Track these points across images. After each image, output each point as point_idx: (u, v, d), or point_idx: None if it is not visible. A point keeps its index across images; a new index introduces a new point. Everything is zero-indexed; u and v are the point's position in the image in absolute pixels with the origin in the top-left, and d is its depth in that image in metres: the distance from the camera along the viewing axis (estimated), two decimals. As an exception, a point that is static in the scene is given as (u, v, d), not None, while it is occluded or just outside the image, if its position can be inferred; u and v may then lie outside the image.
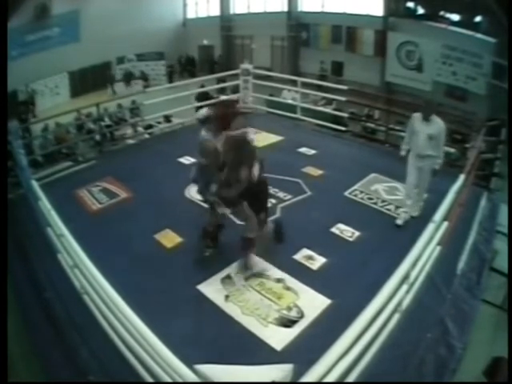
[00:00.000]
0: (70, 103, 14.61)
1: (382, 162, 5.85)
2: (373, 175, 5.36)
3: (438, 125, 4.25)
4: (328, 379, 1.97)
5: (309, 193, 4.97)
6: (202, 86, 8.82)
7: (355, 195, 4.96)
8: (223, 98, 8.84)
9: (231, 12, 18.50)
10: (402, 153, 4.47)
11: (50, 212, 3.35)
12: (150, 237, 4.13)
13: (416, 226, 3.69)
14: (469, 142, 6.42)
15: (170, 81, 16.18)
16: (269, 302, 3.32)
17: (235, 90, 8.26)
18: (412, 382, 2.75)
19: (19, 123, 11.23)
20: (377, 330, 2.53)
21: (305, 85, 7.98)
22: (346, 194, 4.99)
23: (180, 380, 1.95)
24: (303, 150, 6.24)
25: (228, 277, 3.56)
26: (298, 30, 16.38)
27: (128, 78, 16.77)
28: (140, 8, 16.94)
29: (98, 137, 7.45)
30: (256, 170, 3.34)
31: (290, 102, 8.54)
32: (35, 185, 3.85)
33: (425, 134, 4.26)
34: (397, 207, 4.69)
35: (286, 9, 16.49)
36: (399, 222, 4.43)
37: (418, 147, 4.36)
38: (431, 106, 4.39)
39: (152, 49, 17.55)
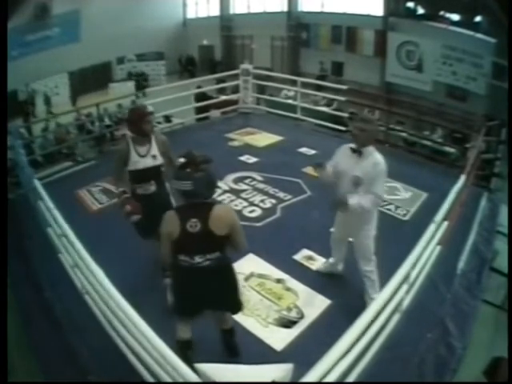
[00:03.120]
0: (70, 103, 14.64)
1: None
2: (373, 175, 5.36)
3: (372, 163, 2.78)
4: (328, 379, 1.97)
5: (309, 193, 4.97)
6: (199, 87, 8.81)
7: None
8: (224, 97, 8.86)
9: (231, 12, 18.51)
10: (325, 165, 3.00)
11: (51, 212, 3.35)
12: (150, 237, 4.12)
13: (416, 226, 3.70)
14: (469, 142, 6.43)
15: (139, 87, 15.01)
16: (269, 302, 3.31)
17: (235, 90, 8.26)
18: (412, 382, 2.75)
19: (25, 122, 11.32)
20: (377, 330, 2.53)
21: (305, 85, 7.99)
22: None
23: (180, 379, 1.95)
24: (303, 149, 6.23)
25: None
26: (298, 30, 16.38)
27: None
28: (140, 8, 16.95)
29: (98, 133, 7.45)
30: None
31: (290, 101, 8.55)
32: (38, 184, 3.85)
33: (350, 176, 2.87)
34: (397, 207, 4.69)
35: (285, 9, 16.50)
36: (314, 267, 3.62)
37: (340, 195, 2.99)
38: (371, 128, 2.83)
39: (152, 49, 17.56)
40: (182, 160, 2.19)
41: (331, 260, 3.55)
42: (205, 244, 2.22)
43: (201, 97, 8.51)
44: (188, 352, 2.43)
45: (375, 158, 2.81)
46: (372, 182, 2.79)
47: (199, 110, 8.34)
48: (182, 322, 2.51)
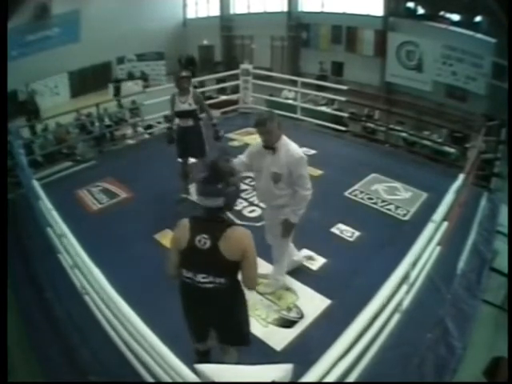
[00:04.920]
0: (70, 103, 14.61)
1: (381, 162, 5.86)
2: (373, 175, 5.36)
3: (287, 155, 2.80)
4: (328, 379, 1.97)
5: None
6: (195, 87, 8.72)
7: (355, 195, 4.96)
8: (224, 97, 8.86)
9: (231, 12, 18.49)
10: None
11: (50, 212, 3.35)
12: (150, 237, 4.13)
13: (416, 226, 3.70)
14: (469, 142, 6.43)
15: (118, 93, 14.67)
16: (268, 302, 3.32)
17: (235, 90, 8.26)
18: (412, 382, 2.75)
19: (28, 121, 11.21)
20: (377, 330, 2.53)
21: (305, 85, 7.99)
22: (346, 194, 4.99)
23: (180, 380, 1.95)
24: (303, 150, 6.17)
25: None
26: (298, 30, 16.36)
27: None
28: (140, 8, 16.93)
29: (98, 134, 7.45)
30: None
31: (290, 102, 8.54)
32: (36, 184, 3.85)
33: (268, 173, 2.88)
34: (397, 207, 4.70)
35: (285, 9, 16.47)
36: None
37: (262, 195, 3.06)
38: (271, 124, 2.81)
39: (152, 49, 17.52)
40: (205, 174, 1.98)
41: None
42: (211, 264, 1.99)
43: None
44: (202, 359, 2.35)
45: (289, 150, 2.82)
46: (292, 175, 2.81)
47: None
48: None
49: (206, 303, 2.08)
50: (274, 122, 2.84)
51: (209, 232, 1.97)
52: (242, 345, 2.28)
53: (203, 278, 2.01)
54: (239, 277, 2.10)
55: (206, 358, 2.40)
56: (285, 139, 2.89)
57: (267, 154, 2.88)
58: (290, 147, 2.84)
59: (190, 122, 4.56)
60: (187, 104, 4.50)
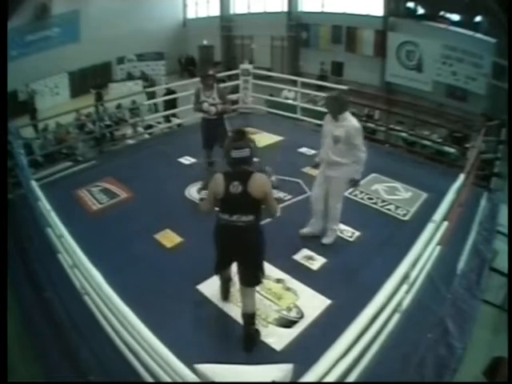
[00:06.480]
0: (70, 103, 14.62)
1: (382, 161, 5.84)
2: (373, 175, 5.36)
3: (347, 124, 3.62)
4: (328, 379, 1.97)
5: (309, 193, 4.94)
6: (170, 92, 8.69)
7: (355, 195, 4.96)
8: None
9: (231, 12, 18.53)
10: (316, 159, 4.01)
11: (49, 213, 3.35)
12: (150, 237, 4.13)
13: (416, 226, 3.70)
14: (469, 142, 6.42)
15: (99, 99, 13.74)
16: (268, 302, 3.31)
17: (235, 90, 8.24)
18: (412, 382, 2.75)
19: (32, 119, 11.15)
20: (377, 330, 2.52)
21: (305, 85, 7.98)
22: (346, 194, 4.97)
23: (180, 380, 1.95)
24: (303, 150, 6.23)
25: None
26: (298, 30, 16.39)
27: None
28: (140, 8, 16.95)
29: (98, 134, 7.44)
30: None
31: (290, 102, 8.54)
32: (34, 185, 3.85)
33: (331, 135, 3.71)
34: (397, 207, 4.70)
35: (286, 9, 16.50)
36: (304, 230, 4.09)
37: (323, 152, 3.84)
38: (337, 101, 3.68)
39: (152, 49, 17.55)
40: (233, 134, 2.74)
41: (312, 220, 4.06)
42: (243, 205, 2.62)
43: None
44: (228, 284, 3.18)
45: (349, 121, 3.65)
46: (349, 139, 3.62)
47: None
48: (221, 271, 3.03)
49: (237, 238, 2.71)
50: (337, 100, 3.68)
51: (239, 179, 2.62)
52: (256, 284, 2.86)
53: (237, 217, 2.66)
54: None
55: (227, 284, 3.20)
56: (348, 115, 3.69)
57: (333, 122, 3.71)
58: (351, 120, 3.65)
59: (214, 113, 4.90)
60: (211, 98, 4.83)
